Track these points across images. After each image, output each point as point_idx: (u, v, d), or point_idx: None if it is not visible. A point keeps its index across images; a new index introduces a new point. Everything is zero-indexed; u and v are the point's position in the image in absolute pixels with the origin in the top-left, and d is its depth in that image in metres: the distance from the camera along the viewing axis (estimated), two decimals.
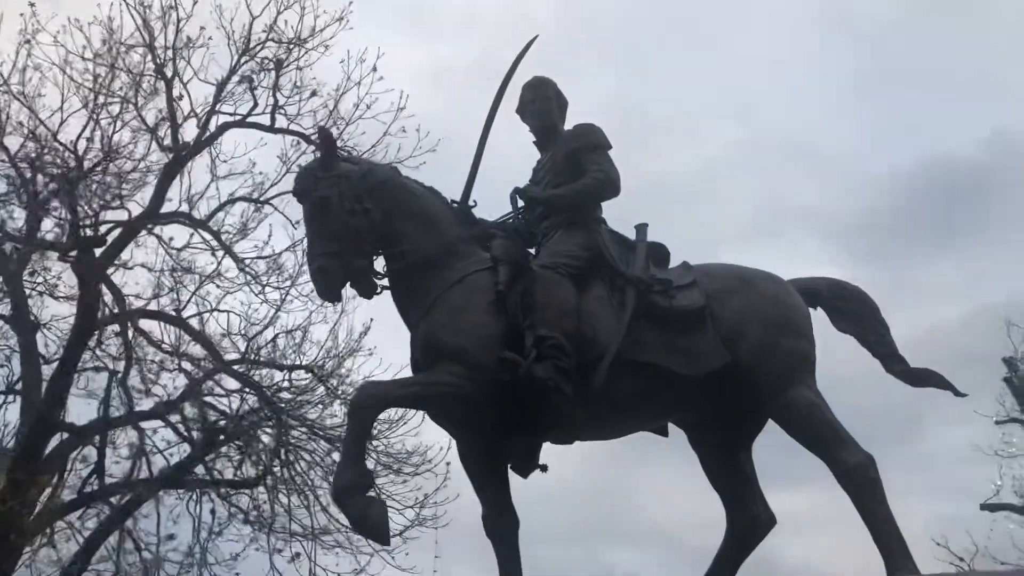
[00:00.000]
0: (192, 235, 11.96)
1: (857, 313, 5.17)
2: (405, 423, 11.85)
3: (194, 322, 11.74)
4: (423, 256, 4.97)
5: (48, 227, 11.34)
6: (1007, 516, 14.02)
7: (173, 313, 11.58)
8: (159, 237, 11.45)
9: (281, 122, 12.28)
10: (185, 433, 12.06)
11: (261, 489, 12.31)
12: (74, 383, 11.44)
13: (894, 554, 4.40)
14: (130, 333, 10.53)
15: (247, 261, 12.25)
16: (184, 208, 12.02)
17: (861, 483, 4.54)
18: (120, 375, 10.64)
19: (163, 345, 11.10)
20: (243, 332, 12.05)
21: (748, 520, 4.92)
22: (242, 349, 12.04)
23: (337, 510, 11.70)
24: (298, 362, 12.31)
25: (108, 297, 11.60)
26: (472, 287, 4.88)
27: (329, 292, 4.93)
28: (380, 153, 12.08)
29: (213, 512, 12.10)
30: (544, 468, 5.08)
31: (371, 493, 4.53)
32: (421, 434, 11.82)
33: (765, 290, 4.96)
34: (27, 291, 11.98)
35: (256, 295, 11.50)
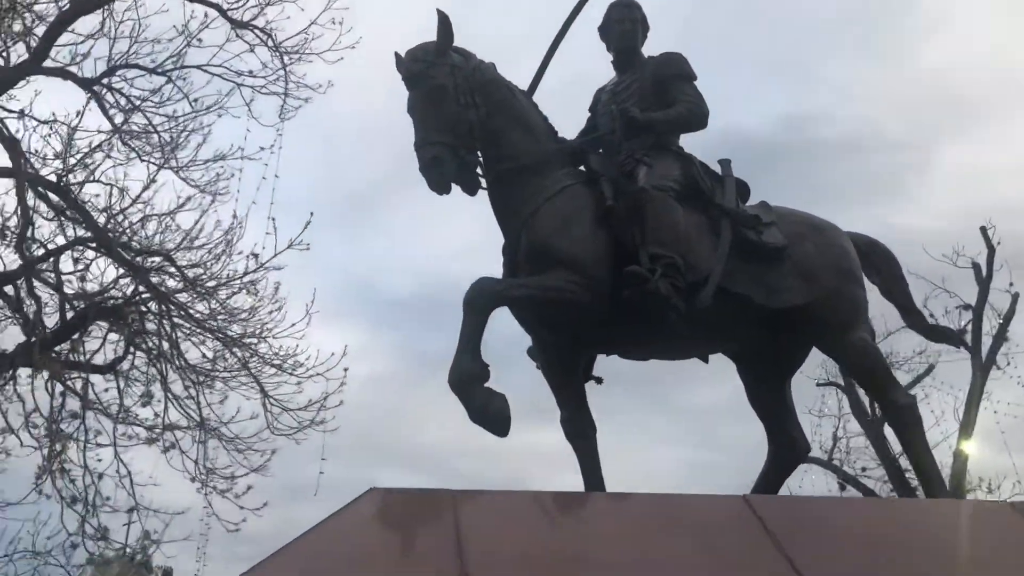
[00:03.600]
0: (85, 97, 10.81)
1: (887, 268, 5.74)
2: (293, 324, 11.62)
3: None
4: (523, 162, 5.03)
5: None
6: (809, 468, 15.68)
7: (54, 178, 10.50)
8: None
9: None
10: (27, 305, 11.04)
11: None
12: None
13: (932, 481, 5.04)
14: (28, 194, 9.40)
15: (128, 133, 11.33)
16: (74, 68, 10.86)
17: (910, 421, 5.13)
18: (13, 236, 9.51)
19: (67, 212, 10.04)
20: (114, 207, 11.14)
21: (789, 443, 5.39)
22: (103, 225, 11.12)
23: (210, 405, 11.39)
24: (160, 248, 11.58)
25: None
26: (575, 198, 5.00)
27: (441, 183, 4.86)
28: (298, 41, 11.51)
29: (64, 395, 11.24)
30: (600, 380, 5.31)
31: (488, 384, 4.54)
32: (306, 337, 11.60)
33: (835, 239, 5.39)
34: None
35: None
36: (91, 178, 11.04)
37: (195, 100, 11.42)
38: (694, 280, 4.89)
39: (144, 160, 11.38)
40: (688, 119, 5.41)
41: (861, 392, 14.65)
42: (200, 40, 11.44)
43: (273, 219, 10.05)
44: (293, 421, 11.15)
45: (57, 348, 11.14)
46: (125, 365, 11.57)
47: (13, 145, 9.68)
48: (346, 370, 11.02)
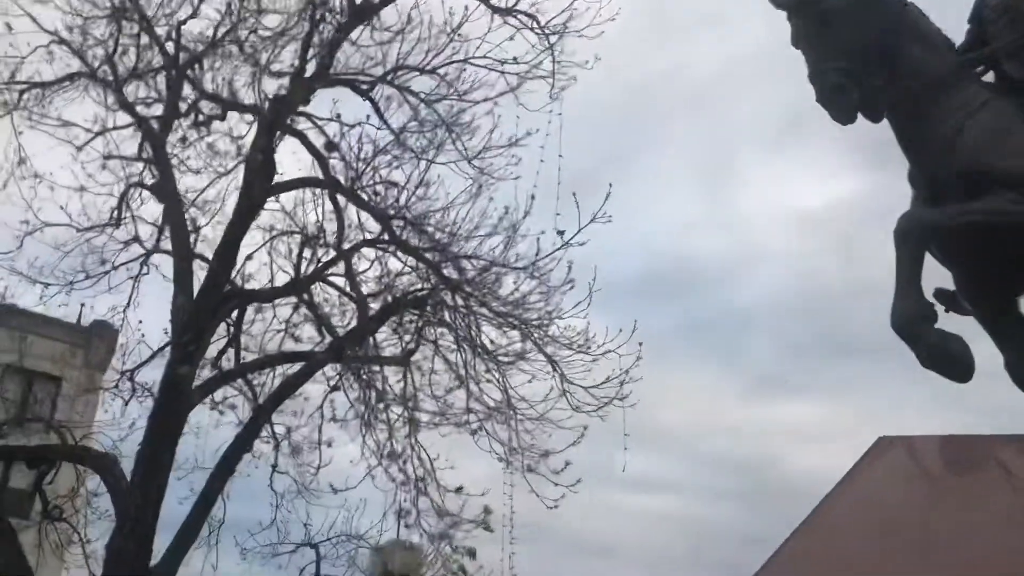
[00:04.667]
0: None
1: None
2: (576, 304, 11.59)
3: None
4: (932, 79, 4.68)
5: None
6: None
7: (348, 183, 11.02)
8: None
9: None
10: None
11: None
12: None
13: None
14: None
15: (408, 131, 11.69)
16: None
17: None
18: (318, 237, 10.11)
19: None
20: (400, 204, 11.49)
21: None
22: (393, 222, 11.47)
23: None
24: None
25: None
26: (1002, 110, 4.61)
27: (847, 111, 4.61)
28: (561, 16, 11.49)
29: (367, 388, 11.73)
30: None
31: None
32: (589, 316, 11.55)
33: None
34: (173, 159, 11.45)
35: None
36: (378, 179, 11.59)
37: (465, 93, 11.72)
38: None
39: (422, 158, 11.79)
40: None
41: None
42: (460, 35, 11.68)
43: (574, 193, 9.92)
44: (590, 399, 11.22)
45: (361, 343, 11.75)
46: (419, 356, 12.08)
47: (320, 154, 10.22)
48: (640, 344, 10.91)
